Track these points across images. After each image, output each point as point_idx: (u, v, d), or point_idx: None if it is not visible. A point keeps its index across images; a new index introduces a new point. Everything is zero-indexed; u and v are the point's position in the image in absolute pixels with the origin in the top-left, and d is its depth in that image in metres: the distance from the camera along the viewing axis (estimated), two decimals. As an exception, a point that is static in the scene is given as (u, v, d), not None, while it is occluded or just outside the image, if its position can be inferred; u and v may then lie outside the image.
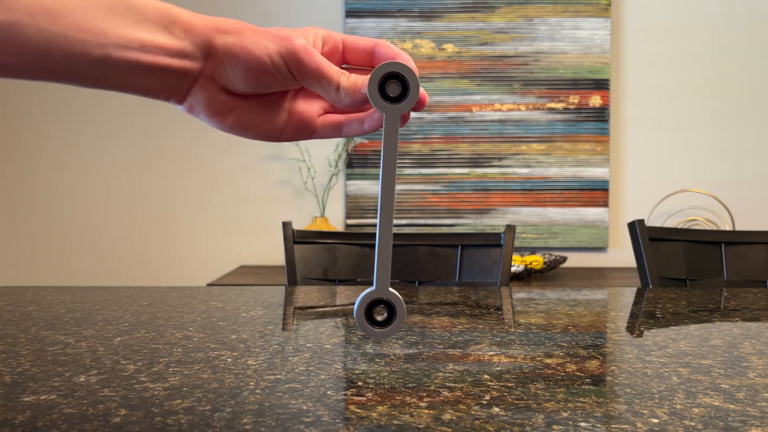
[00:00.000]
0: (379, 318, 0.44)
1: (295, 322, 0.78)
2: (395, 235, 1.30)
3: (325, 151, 2.38)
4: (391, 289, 0.43)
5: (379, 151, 2.37)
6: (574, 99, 2.36)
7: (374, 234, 1.29)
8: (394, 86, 0.42)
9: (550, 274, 2.20)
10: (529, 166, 2.38)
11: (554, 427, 0.42)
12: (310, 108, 0.47)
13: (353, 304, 0.92)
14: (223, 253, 2.42)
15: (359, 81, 0.43)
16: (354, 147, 2.36)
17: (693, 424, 0.42)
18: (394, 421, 0.42)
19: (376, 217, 2.35)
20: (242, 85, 0.43)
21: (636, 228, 1.23)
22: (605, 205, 2.38)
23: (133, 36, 0.40)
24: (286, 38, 0.42)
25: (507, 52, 2.37)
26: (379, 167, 0.42)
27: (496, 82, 2.37)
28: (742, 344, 0.64)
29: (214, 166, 2.41)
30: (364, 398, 0.47)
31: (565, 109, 2.37)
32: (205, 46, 0.42)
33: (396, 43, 2.38)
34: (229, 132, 0.45)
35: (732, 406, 0.45)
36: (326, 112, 0.48)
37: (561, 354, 0.60)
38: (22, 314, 0.78)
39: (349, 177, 2.38)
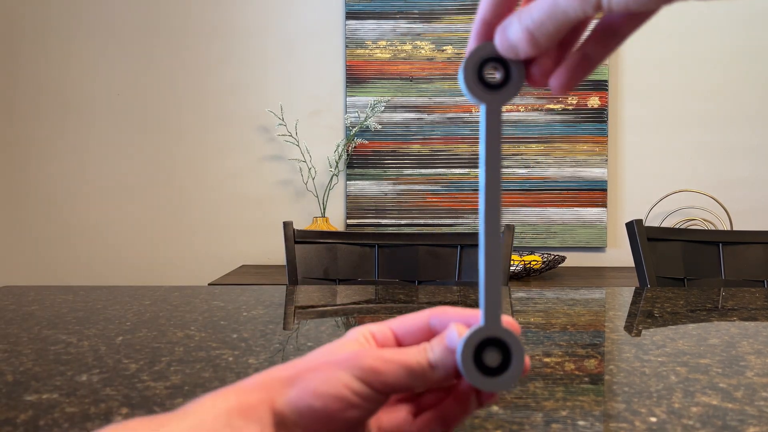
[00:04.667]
0: (491, 363, 0.34)
1: (296, 322, 0.78)
2: (395, 234, 1.29)
3: (326, 152, 2.39)
4: (503, 324, 0.34)
5: (378, 151, 2.38)
6: (572, 100, 2.37)
7: (374, 234, 1.29)
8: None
9: (548, 273, 2.20)
10: (527, 167, 2.39)
11: (553, 425, 0.42)
12: (397, 416, 0.38)
13: (354, 303, 0.92)
14: (224, 253, 2.42)
15: (444, 339, 0.36)
16: (354, 147, 2.36)
17: (691, 422, 0.42)
18: (395, 420, 0.43)
19: (377, 218, 2.35)
20: None
21: (634, 228, 1.23)
22: (603, 205, 2.38)
23: None
24: (351, 358, 0.35)
25: (506, 52, 2.37)
26: (479, 182, 0.35)
27: (496, 82, 2.37)
28: (740, 344, 0.64)
29: (215, 167, 2.42)
30: (365, 397, 0.47)
31: (564, 110, 2.37)
32: (272, 418, 0.34)
33: (396, 44, 2.37)
34: None
35: (730, 405, 0.46)
36: (418, 409, 0.39)
37: (559, 353, 0.61)
38: (25, 314, 0.78)
39: (349, 177, 2.39)
